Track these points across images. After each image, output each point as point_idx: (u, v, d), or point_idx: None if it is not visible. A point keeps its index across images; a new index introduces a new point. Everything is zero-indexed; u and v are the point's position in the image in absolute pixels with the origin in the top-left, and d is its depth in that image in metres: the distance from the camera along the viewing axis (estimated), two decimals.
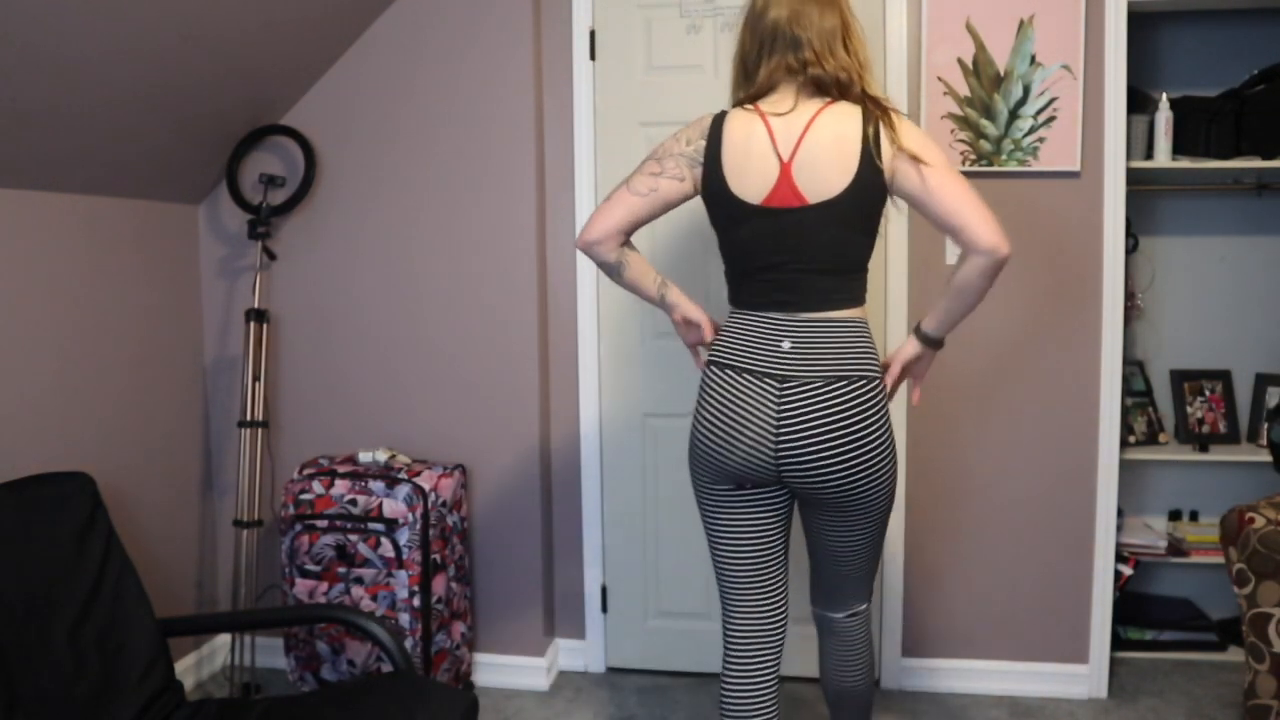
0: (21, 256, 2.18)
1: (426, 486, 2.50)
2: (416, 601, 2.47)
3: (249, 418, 2.65)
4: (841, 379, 1.67)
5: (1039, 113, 2.49)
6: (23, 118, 1.99)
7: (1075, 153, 2.49)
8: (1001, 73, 2.49)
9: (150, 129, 2.36)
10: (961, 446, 2.65)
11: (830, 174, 1.65)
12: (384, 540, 2.46)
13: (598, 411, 2.80)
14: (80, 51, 1.95)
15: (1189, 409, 2.90)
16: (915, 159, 1.64)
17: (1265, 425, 2.82)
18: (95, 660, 1.79)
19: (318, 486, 2.52)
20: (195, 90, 2.37)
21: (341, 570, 2.48)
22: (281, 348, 2.85)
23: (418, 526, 2.46)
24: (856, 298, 1.74)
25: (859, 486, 1.70)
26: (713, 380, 1.75)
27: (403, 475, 2.52)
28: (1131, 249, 2.86)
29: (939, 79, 2.52)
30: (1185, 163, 2.66)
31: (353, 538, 2.47)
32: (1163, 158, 2.63)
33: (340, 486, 2.50)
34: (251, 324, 2.67)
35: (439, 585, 2.53)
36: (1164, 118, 2.62)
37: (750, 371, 1.70)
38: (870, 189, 1.66)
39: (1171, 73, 2.86)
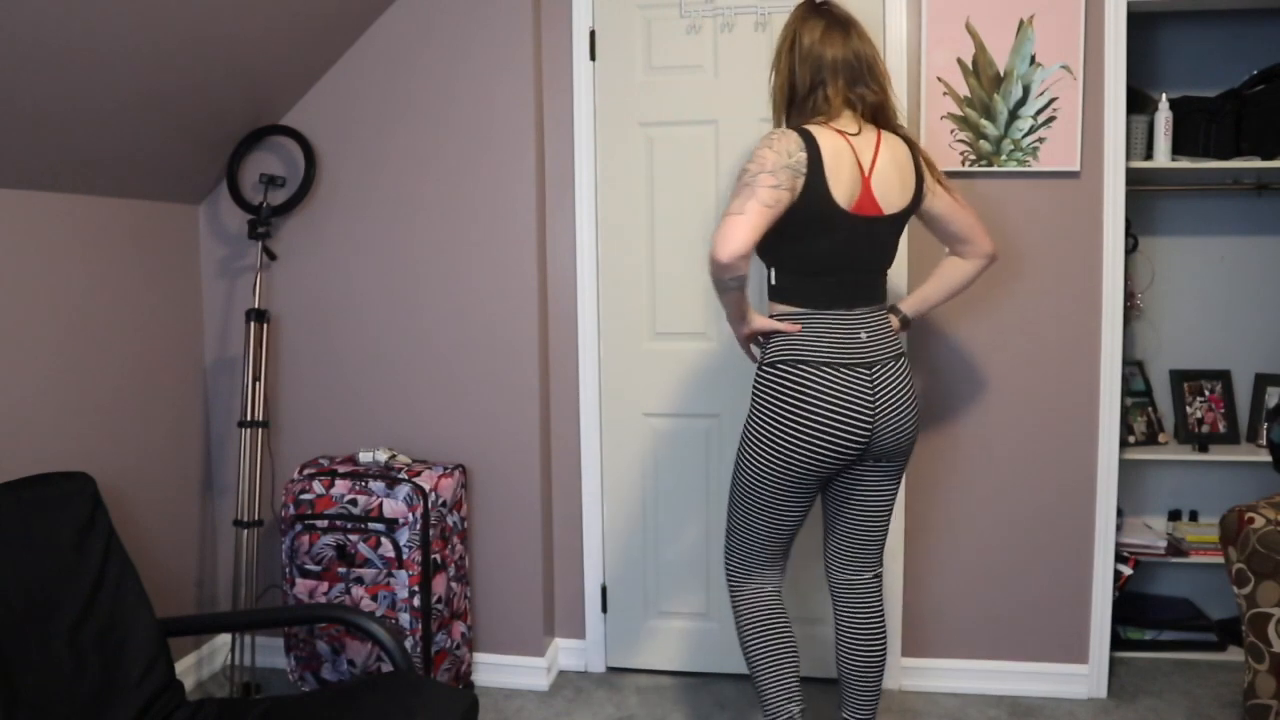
0: (21, 256, 2.18)
1: (426, 486, 2.50)
2: (416, 601, 2.47)
3: (249, 418, 2.65)
4: (900, 355, 2.01)
5: (1039, 113, 2.49)
6: (23, 118, 1.99)
7: (1075, 153, 2.49)
8: (1001, 73, 2.49)
9: (151, 129, 2.36)
10: (961, 446, 2.65)
11: (897, 190, 1.95)
12: (384, 540, 2.46)
13: (598, 411, 2.80)
14: (81, 52, 1.95)
15: (1189, 409, 2.90)
16: (947, 189, 2.03)
17: (1265, 425, 2.82)
18: (95, 660, 1.79)
19: (318, 486, 2.52)
20: (195, 90, 2.37)
21: (341, 570, 2.48)
22: (281, 348, 2.85)
23: (418, 526, 2.46)
24: (886, 289, 2.07)
25: (912, 435, 2.02)
26: (804, 378, 1.91)
27: (403, 475, 2.52)
28: (1131, 249, 2.86)
29: (939, 79, 2.52)
30: (1185, 163, 2.66)
31: (353, 538, 2.47)
32: (1162, 158, 2.63)
33: (340, 486, 2.50)
34: (251, 324, 2.67)
35: (439, 585, 2.53)
36: (1164, 118, 2.62)
37: (844, 365, 1.91)
38: (915, 205, 2.01)
39: (1171, 73, 2.86)
